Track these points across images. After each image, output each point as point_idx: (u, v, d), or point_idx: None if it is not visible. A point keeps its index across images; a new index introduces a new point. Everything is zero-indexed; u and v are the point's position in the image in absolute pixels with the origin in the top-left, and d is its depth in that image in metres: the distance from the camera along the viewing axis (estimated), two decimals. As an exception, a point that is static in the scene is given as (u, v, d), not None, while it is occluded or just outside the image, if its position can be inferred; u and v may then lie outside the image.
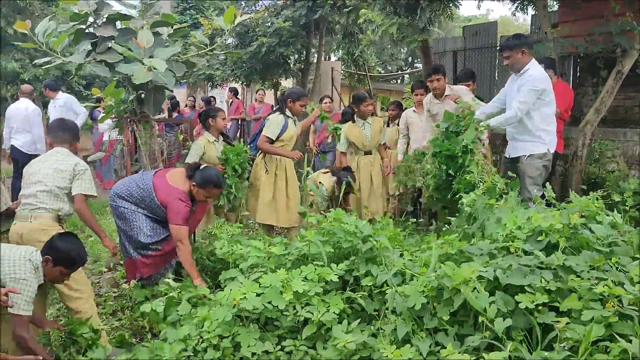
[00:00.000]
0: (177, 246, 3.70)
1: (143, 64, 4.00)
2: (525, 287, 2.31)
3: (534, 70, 4.42)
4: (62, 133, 3.56)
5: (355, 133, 5.48)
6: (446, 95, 5.31)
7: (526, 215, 2.84)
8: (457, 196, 3.73)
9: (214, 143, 4.86)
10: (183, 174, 3.92)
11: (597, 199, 2.98)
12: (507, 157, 4.77)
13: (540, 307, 2.21)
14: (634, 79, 5.88)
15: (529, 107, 4.39)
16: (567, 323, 2.06)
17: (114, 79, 4.60)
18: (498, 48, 8.34)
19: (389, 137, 6.07)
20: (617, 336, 1.91)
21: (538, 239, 2.62)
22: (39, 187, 3.29)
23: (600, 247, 2.56)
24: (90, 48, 4.40)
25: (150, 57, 4.13)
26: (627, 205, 4.77)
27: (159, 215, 3.85)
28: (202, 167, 3.93)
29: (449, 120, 4.25)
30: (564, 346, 2.00)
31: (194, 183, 3.82)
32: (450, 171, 4.02)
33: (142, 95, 4.65)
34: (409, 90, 9.52)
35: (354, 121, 5.56)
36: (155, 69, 3.96)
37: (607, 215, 2.85)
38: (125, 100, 4.70)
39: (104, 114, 5.04)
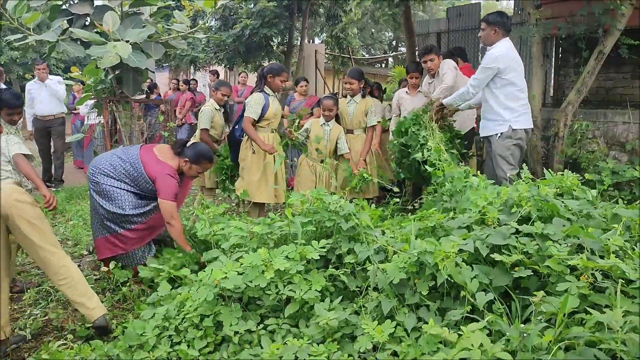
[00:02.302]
0: (169, 222, 3.71)
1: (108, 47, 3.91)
2: (503, 250, 2.34)
3: (495, 50, 4.50)
4: None
5: (341, 107, 5.54)
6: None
7: (495, 191, 2.89)
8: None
9: (219, 111, 5.40)
10: (170, 151, 3.96)
11: (571, 175, 3.04)
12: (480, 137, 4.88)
13: (517, 268, 2.25)
14: (615, 60, 5.93)
15: (483, 85, 4.54)
16: (543, 296, 2.08)
17: (92, 58, 4.50)
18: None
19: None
20: (590, 309, 1.92)
21: (511, 211, 2.65)
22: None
23: (572, 217, 2.61)
24: (67, 26, 4.29)
25: (126, 39, 4.04)
26: (604, 184, 4.87)
27: (144, 190, 3.83)
28: (190, 143, 3.95)
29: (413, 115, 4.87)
30: (541, 319, 2.03)
31: (186, 159, 3.88)
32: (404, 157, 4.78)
33: (122, 76, 4.57)
34: (393, 73, 9.46)
35: (345, 96, 5.65)
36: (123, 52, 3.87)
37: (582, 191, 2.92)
38: (104, 80, 4.61)
39: (82, 96, 4.95)
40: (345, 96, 5.62)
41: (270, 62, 11.93)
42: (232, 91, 11.35)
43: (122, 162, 3.82)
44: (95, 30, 4.16)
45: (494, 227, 2.57)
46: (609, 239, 2.33)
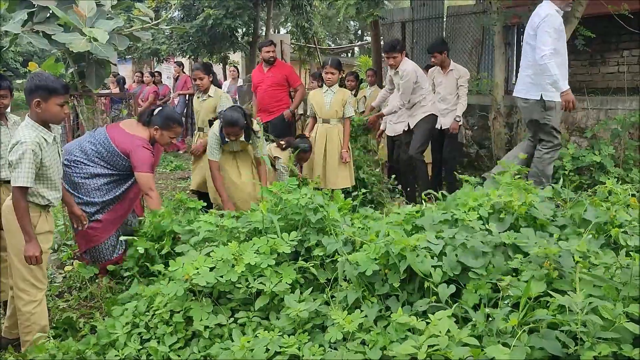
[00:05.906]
0: (147, 194, 3.69)
1: (83, 33, 3.82)
2: (470, 274, 2.35)
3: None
4: None
5: (317, 98, 5.49)
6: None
7: (484, 191, 2.94)
8: None
9: None
10: (137, 123, 3.87)
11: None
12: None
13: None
14: (574, 48, 6.07)
15: None
16: (511, 281, 2.14)
17: (52, 52, 4.38)
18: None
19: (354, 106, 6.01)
20: (553, 293, 1.98)
21: (500, 217, 2.71)
22: None
23: (554, 227, 2.69)
24: (27, 17, 4.15)
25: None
26: (566, 170, 5.01)
27: (121, 169, 3.74)
28: (156, 110, 3.87)
29: None
30: (508, 303, 2.09)
31: (156, 126, 3.79)
32: None
33: (84, 69, 4.47)
34: (359, 63, 9.45)
35: (321, 86, 5.57)
36: (95, 40, 3.79)
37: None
38: (64, 75, 4.49)
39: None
40: (321, 86, 5.56)
41: (236, 52, 11.79)
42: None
43: (92, 146, 3.72)
44: (57, 22, 4.04)
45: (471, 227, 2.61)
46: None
